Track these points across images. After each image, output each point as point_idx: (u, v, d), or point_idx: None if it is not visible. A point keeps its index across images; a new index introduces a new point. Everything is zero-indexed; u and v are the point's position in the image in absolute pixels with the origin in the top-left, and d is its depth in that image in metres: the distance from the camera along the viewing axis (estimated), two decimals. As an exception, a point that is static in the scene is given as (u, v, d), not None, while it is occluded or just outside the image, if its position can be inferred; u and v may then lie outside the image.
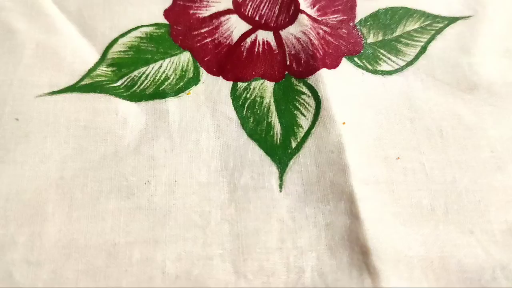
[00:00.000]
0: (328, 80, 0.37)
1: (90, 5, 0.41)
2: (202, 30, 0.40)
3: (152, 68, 0.38)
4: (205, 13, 0.41)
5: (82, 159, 0.34)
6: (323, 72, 0.37)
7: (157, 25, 0.40)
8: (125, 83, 0.37)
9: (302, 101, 0.36)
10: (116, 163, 0.34)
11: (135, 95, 0.37)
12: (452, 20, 0.41)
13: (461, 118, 0.37)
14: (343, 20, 0.40)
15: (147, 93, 0.37)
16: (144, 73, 0.38)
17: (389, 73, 0.39)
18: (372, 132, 0.36)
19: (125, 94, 0.37)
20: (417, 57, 0.39)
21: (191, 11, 0.41)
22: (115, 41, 0.39)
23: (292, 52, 0.38)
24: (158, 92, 0.37)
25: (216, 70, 0.38)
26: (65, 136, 0.35)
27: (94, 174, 0.34)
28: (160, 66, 0.38)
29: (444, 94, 0.38)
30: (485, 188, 0.34)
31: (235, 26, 0.40)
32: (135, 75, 0.38)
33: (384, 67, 0.39)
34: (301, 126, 0.35)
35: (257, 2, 0.41)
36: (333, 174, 0.33)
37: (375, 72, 0.39)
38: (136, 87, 0.37)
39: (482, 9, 0.41)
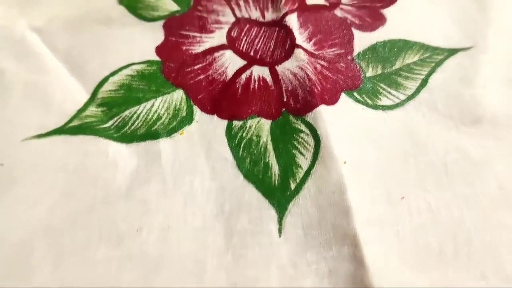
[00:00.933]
0: (327, 117, 0.35)
1: (80, 43, 0.39)
2: (196, 67, 0.39)
3: (144, 107, 0.37)
4: (198, 49, 0.40)
5: (71, 205, 0.32)
6: (322, 109, 0.36)
7: (149, 62, 0.39)
8: (115, 124, 0.36)
9: (300, 139, 0.35)
10: (106, 208, 0.32)
11: (126, 136, 0.35)
12: (452, 51, 0.40)
13: (466, 153, 0.35)
14: (340, 54, 0.39)
15: (138, 133, 0.35)
16: (135, 112, 0.36)
17: (390, 107, 0.37)
18: (374, 171, 0.34)
19: (115, 135, 0.35)
20: (418, 90, 0.38)
21: (184, 47, 0.40)
22: (105, 79, 0.38)
23: (289, 88, 0.37)
24: (150, 133, 0.35)
25: (211, 108, 0.37)
26: (53, 181, 0.33)
27: (83, 221, 0.32)
28: (152, 105, 0.37)
29: (447, 128, 0.37)
30: (495, 227, 0.32)
31: (230, 62, 0.39)
32: (126, 115, 0.36)
33: (384, 101, 0.38)
34: (300, 166, 0.34)
35: (252, 37, 0.40)
36: (335, 217, 0.32)
37: (375, 107, 0.37)
38: (127, 127, 0.36)
39: (483, 40, 0.40)
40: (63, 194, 0.33)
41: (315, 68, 0.38)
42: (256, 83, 0.38)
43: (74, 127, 0.35)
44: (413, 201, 0.33)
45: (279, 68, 0.38)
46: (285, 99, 0.37)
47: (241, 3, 0.41)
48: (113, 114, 0.36)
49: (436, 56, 0.40)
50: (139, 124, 0.36)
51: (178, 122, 0.36)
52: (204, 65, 0.39)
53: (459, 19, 0.42)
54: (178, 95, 0.38)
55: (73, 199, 0.33)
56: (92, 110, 0.37)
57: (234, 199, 0.33)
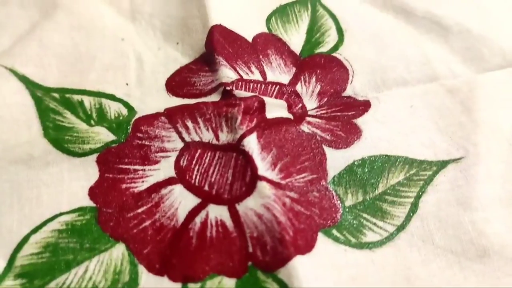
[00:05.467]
0: (303, 272, 0.29)
1: (-7, 193, 0.31)
2: (139, 210, 0.31)
3: (75, 274, 0.29)
4: (141, 186, 0.33)
5: None
6: (297, 262, 0.29)
7: (80, 210, 0.32)
8: (38, 302, 0.28)
9: (273, 305, 0.27)
10: None
11: (52, 320, 0.27)
12: (442, 164, 0.34)
13: (477, 299, 0.28)
14: (312, 180, 0.33)
15: (68, 315, 0.27)
16: (64, 283, 0.29)
17: (378, 244, 0.31)
18: None
19: (38, 320, 0.27)
20: (408, 218, 0.32)
21: (124, 185, 0.32)
22: (25, 239, 0.31)
23: (255, 235, 0.30)
24: (83, 312, 0.27)
25: (160, 266, 0.30)
26: None
27: None
28: (86, 271, 0.29)
29: (449, 266, 0.30)
30: None
31: (180, 201, 0.32)
32: (51, 289, 0.28)
33: (370, 237, 0.31)
34: None
35: (205, 165, 0.33)
36: None
37: (360, 246, 0.31)
38: (53, 307, 0.28)
39: (474, 148, 0.35)
40: None
41: (284, 204, 0.31)
42: (214, 228, 0.31)
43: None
44: None
45: (240, 208, 0.31)
46: (250, 250, 0.30)
47: (190, 124, 0.35)
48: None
49: (424, 172, 0.34)
50: (69, 300, 0.28)
51: (119, 292, 0.28)
52: (150, 207, 0.32)
53: (444, 124, 0.36)
54: (118, 252, 0.30)
55: None
56: (9, 283, 0.28)
57: None
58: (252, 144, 0.33)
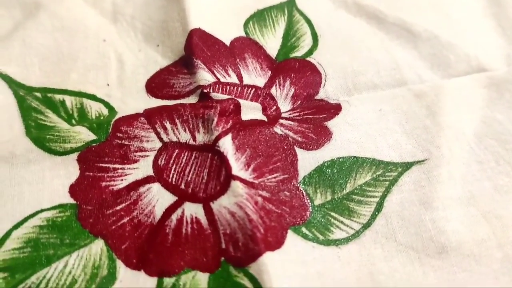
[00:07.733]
0: (273, 268, 0.30)
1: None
2: (118, 208, 0.33)
3: (55, 268, 0.31)
4: (120, 184, 0.34)
5: None
6: (267, 258, 0.31)
7: (61, 207, 0.33)
8: (19, 296, 0.29)
9: (244, 298, 0.29)
10: None
11: (33, 312, 0.29)
12: (406, 166, 0.36)
13: (435, 294, 0.30)
14: (284, 180, 0.34)
15: (48, 307, 0.29)
16: (44, 277, 0.30)
17: (344, 241, 0.33)
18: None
19: (19, 311, 0.28)
20: (373, 216, 0.34)
21: (104, 183, 0.34)
22: (7, 235, 0.32)
23: (228, 231, 0.32)
24: (62, 305, 0.29)
25: (137, 261, 0.31)
26: None
27: None
28: (66, 265, 0.31)
29: (410, 262, 0.32)
30: None
31: (157, 198, 0.34)
32: (32, 282, 0.30)
33: (337, 234, 0.33)
34: (246, 335, 0.28)
35: (182, 165, 0.35)
36: None
37: (327, 242, 0.32)
38: (34, 299, 0.29)
39: (437, 150, 0.37)
40: None
41: (256, 202, 0.33)
42: (189, 225, 0.32)
43: (-36, 308, 0.28)
44: None
45: (215, 206, 0.33)
46: (223, 246, 0.31)
47: (168, 125, 0.36)
48: (16, 281, 0.30)
49: (389, 173, 0.35)
50: (50, 293, 0.29)
51: (98, 286, 0.30)
52: (128, 204, 0.33)
53: (410, 128, 0.38)
54: (97, 248, 0.32)
55: None
56: (-9, 278, 0.30)
57: None
58: (227, 145, 0.35)
